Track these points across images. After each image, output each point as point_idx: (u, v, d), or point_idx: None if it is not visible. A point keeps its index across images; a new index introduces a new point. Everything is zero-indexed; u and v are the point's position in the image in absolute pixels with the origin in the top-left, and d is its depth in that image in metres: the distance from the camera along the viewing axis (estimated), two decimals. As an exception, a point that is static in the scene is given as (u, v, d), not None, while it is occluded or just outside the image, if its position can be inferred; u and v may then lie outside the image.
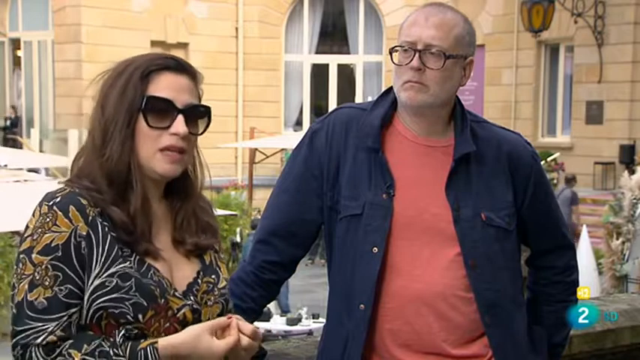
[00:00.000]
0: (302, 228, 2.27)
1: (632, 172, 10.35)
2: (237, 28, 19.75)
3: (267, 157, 17.96)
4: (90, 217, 1.69)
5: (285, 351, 2.71)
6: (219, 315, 1.80)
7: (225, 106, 19.33)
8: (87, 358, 1.61)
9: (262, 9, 19.90)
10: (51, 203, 1.68)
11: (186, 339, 1.66)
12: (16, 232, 11.33)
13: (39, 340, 1.62)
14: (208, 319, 1.77)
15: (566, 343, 2.46)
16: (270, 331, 10.05)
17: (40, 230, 1.66)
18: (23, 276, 1.65)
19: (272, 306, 10.32)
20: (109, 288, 1.66)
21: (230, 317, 1.72)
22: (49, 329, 1.63)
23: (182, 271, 1.79)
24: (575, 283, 2.38)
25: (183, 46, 19.02)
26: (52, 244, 1.65)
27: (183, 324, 1.72)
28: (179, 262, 1.80)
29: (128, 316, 1.66)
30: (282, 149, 18.38)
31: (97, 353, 1.62)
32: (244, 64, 19.77)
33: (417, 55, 2.09)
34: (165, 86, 1.76)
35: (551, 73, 18.66)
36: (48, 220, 1.67)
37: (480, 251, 2.14)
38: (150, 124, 1.74)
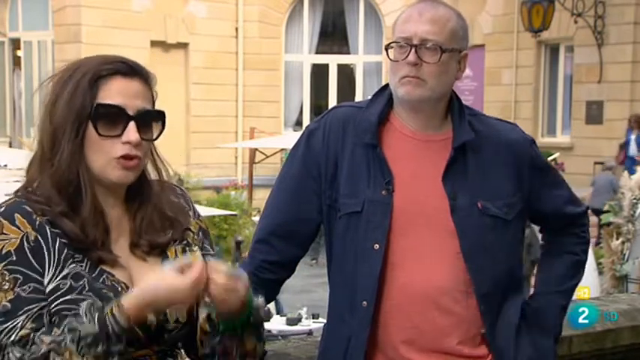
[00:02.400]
0: (301, 227, 2.28)
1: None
2: (237, 28, 19.73)
3: (267, 157, 17.96)
4: (37, 222, 1.65)
5: (285, 351, 2.71)
6: (188, 312, 1.75)
7: (225, 106, 19.33)
8: (56, 339, 1.58)
9: (262, 9, 19.88)
10: None
11: (146, 285, 1.62)
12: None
13: (12, 338, 1.59)
14: (176, 319, 1.73)
15: (569, 300, 2.44)
16: (270, 331, 10.03)
17: None
18: None
19: (272, 306, 10.31)
20: (63, 290, 1.63)
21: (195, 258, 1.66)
22: (19, 324, 1.60)
23: (142, 275, 1.72)
24: (587, 242, 2.40)
25: (183, 46, 19.01)
26: (3, 252, 1.62)
27: (145, 327, 1.66)
28: (137, 265, 1.75)
29: None
30: (282, 149, 18.37)
31: (66, 330, 1.58)
32: (244, 64, 19.75)
33: (413, 50, 2.10)
34: (115, 92, 1.68)
35: (551, 73, 18.64)
36: None
37: (475, 240, 2.15)
38: (100, 132, 1.68)
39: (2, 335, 1.60)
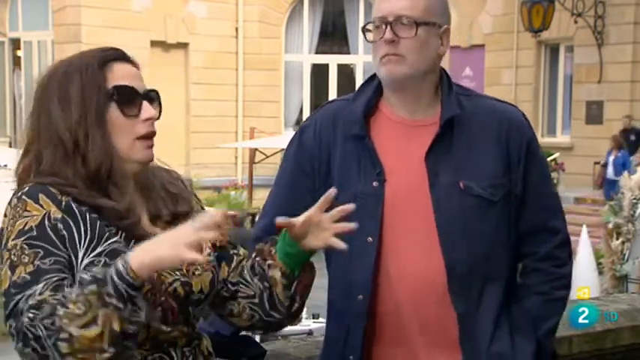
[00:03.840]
0: None
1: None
2: (237, 28, 19.74)
3: (267, 157, 17.96)
4: (63, 203, 1.67)
5: (285, 351, 2.71)
6: (212, 282, 1.80)
7: (225, 106, 19.34)
8: (63, 293, 1.55)
9: (262, 9, 19.89)
10: (19, 194, 1.68)
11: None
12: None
13: (30, 302, 1.56)
14: (201, 290, 1.78)
15: (549, 341, 2.25)
16: (270, 331, 10.00)
17: (11, 221, 1.66)
18: (1, 265, 1.65)
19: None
20: (98, 267, 1.62)
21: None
22: (37, 291, 1.57)
23: None
24: (563, 277, 2.22)
25: (183, 46, 19.02)
26: (25, 228, 1.64)
27: (176, 298, 1.72)
28: None
29: None
30: (282, 149, 18.32)
31: (74, 286, 1.57)
32: (244, 64, 19.76)
33: (388, 27, 2.11)
34: (122, 75, 1.75)
35: (551, 73, 18.65)
36: (18, 209, 1.66)
37: (456, 221, 2.11)
38: (126, 113, 1.73)
39: (21, 302, 1.58)
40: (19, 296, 1.58)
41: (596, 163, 16.72)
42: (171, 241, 1.56)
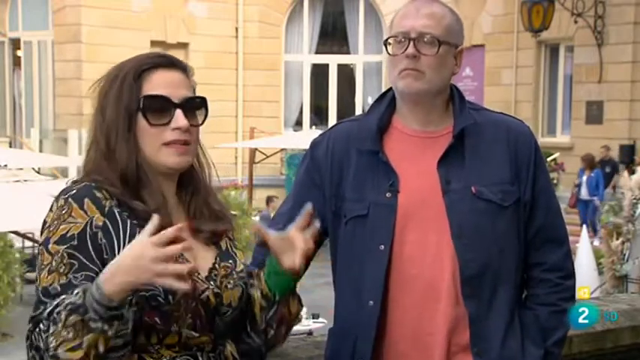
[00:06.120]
0: None
1: (632, 172, 10.34)
2: (237, 28, 19.75)
3: (267, 157, 17.98)
4: (107, 208, 1.74)
5: (285, 351, 2.71)
6: (240, 297, 1.87)
7: (225, 106, 19.32)
8: (55, 317, 1.62)
9: (262, 9, 19.89)
10: (67, 196, 1.74)
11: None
12: (16, 232, 11.35)
13: (45, 313, 1.64)
14: (230, 303, 1.84)
15: (557, 350, 2.27)
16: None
17: (56, 222, 1.72)
18: (42, 266, 1.71)
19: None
20: (80, 291, 1.65)
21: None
22: (57, 302, 1.64)
23: (203, 258, 1.84)
24: (568, 289, 2.27)
25: (183, 46, 19.02)
26: (68, 234, 1.71)
27: (207, 306, 1.78)
28: (199, 249, 1.85)
29: (159, 298, 1.70)
30: (282, 149, 18.41)
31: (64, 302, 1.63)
32: (244, 64, 19.77)
33: (411, 43, 2.16)
34: (159, 83, 1.81)
35: (551, 73, 18.66)
36: (64, 212, 1.72)
37: (468, 223, 2.15)
38: (151, 122, 1.79)
39: (42, 310, 1.66)
40: (44, 306, 1.67)
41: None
42: (137, 264, 1.59)
